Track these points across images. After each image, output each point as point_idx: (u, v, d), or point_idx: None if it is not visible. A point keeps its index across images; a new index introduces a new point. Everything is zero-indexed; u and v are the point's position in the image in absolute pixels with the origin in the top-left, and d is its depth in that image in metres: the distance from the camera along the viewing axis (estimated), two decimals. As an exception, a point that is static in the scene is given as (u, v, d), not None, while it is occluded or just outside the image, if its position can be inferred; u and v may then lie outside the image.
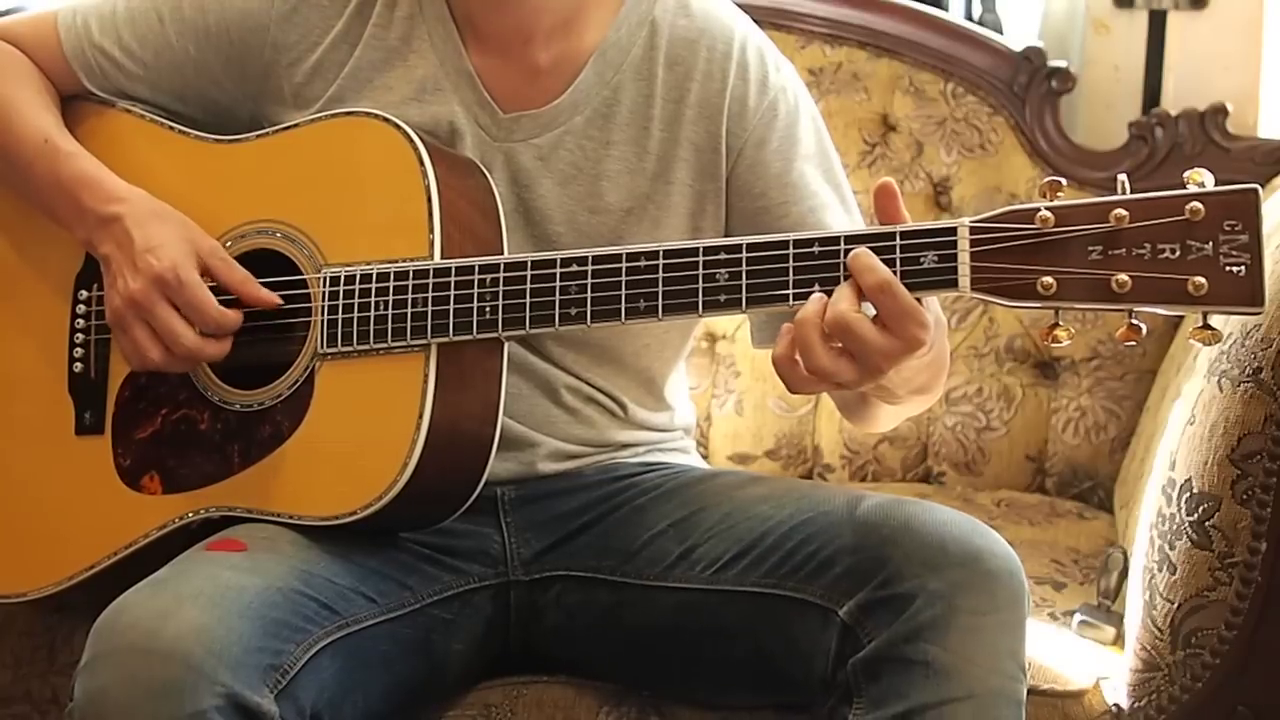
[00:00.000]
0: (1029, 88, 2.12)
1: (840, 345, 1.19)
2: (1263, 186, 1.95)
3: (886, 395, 1.30)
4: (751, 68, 1.46)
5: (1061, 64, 2.12)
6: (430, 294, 1.33)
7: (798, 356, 1.20)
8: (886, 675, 1.24)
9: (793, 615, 1.31)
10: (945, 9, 2.29)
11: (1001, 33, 2.30)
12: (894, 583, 1.25)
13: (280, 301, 1.39)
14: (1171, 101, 2.13)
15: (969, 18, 2.35)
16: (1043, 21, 2.28)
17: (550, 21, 1.43)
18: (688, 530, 1.40)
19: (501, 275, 1.32)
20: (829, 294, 1.20)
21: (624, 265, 1.28)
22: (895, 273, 1.19)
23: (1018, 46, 2.14)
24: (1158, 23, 2.15)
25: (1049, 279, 1.16)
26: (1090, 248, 1.15)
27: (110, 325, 1.41)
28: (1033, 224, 1.17)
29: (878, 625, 1.25)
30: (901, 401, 1.34)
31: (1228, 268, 1.13)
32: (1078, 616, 1.60)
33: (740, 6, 1.54)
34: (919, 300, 1.19)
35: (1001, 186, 2.11)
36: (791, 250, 1.24)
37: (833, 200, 1.47)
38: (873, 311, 1.20)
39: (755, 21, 1.56)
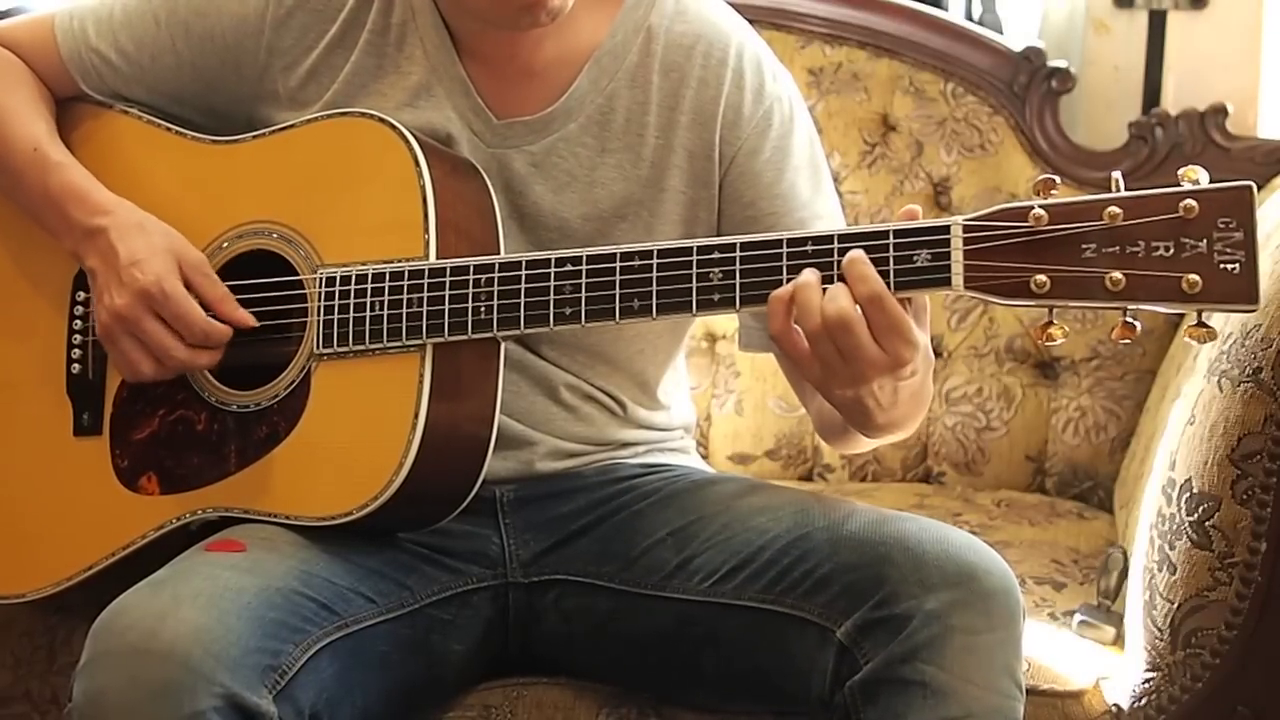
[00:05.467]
0: (1029, 88, 2.12)
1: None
2: (1262, 186, 1.97)
3: (865, 424, 1.29)
4: (747, 75, 1.46)
5: (1061, 64, 2.12)
6: (425, 294, 1.33)
7: (795, 323, 1.21)
8: (884, 697, 1.24)
9: (790, 632, 1.31)
10: (945, 9, 2.30)
11: (1001, 33, 2.31)
12: (890, 603, 1.25)
13: (255, 322, 1.39)
14: (1171, 101, 2.13)
15: (969, 18, 2.35)
16: (1043, 21, 2.28)
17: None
18: (686, 539, 1.39)
19: (496, 275, 1.32)
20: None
21: (618, 265, 1.28)
22: (889, 271, 1.20)
23: (1018, 46, 2.14)
24: (1158, 23, 2.15)
25: (1042, 277, 1.16)
26: (1084, 246, 1.15)
27: (100, 339, 1.42)
28: (1026, 222, 1.17)
29: (875, 646, 1.25)
30: (879, 435, 1.33)
31: (1222, 265, 1.12)
32: (1078, 616, 1.60)
33: (740, 7, 1.53)
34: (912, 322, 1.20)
35: (1001, 186, 2.11)
36: (785, 250, 1.24)
37: (823, 212, 1.47)
38: None
39: (754, 22, 1.56)
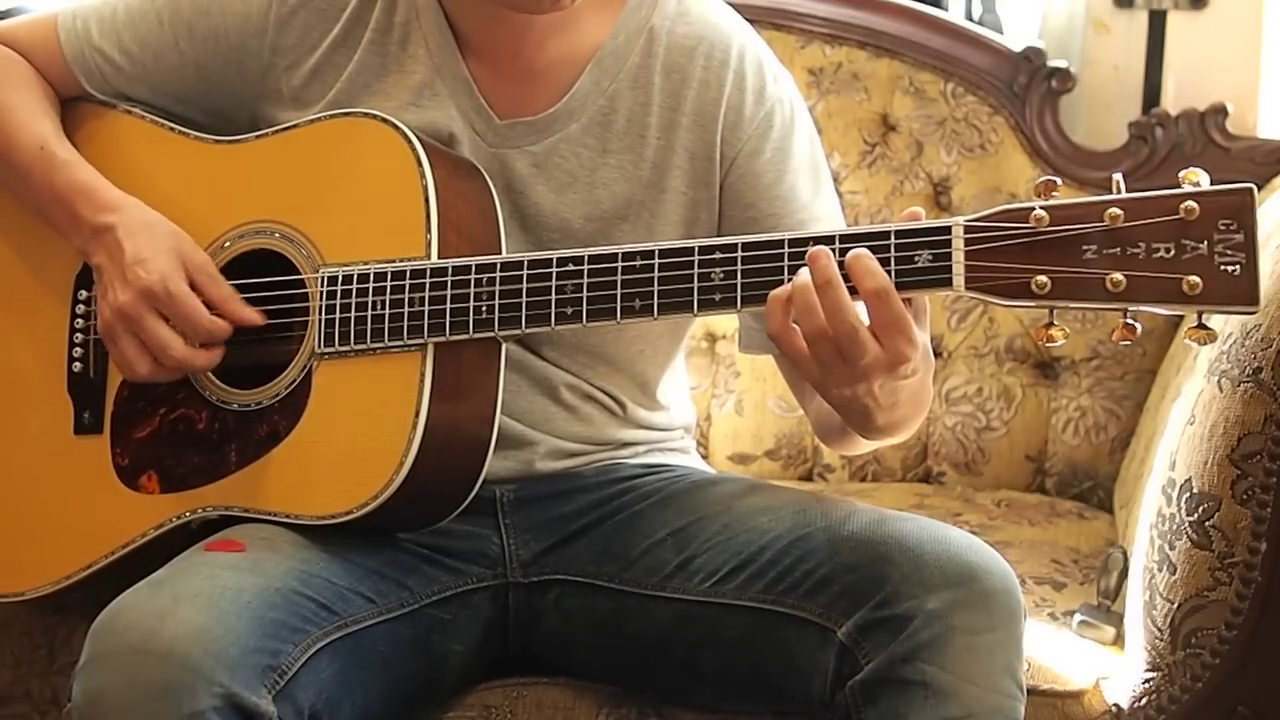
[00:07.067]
0: (1029, 88, 2.12)
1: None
2: (1262, 187, 1.97)
3: (864, 424, 1.29)
4: (749, 77, 1.46)
5: (1061, 64, 2.12)
6: (427, 293, 1.33)
7: (794, 323, 1.21)
8: (885, 697, 1.24)
9: (791, 632, 1.31)
10: (945, 9, 2.30)
11: (1001, 33, 2.31)
12: (892, 603, 1.25)
13: (262, 320, 1.39)
14: (1171, 101, 2.13)
15: (969, 18, 2.35)
16: (1043, 21, 2.28)
17: (543, 25, 1.43)
18: (686, 540, 1.39)
19: (498, 275, 1.32)
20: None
21: (619, 265, 1.28)
22: (890, 271, 1.20)
23: (1018, 46, 2.14)
24: (1158, 23, 2.15)
25: (1043, 278, 1.16)
26: (1085, 247, 1.15)
27: (101, 336, 1.42)
28: (1027, 223, 1.17)
29: (876, 646, 1.25)
30: (878, 437, 1.34)
31: (1223, 267, 1.12)
32: (1078, 616, 1.60)
33: (740, 7, 1.53)
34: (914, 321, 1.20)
35: (1001, 187, 2.11)
36: (786, 250, 1.24)
37: (823, 213, 1.47)
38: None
39: (754, 22, 1.56)
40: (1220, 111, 2.06)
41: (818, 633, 1.29)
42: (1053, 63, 2.12)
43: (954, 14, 2.29)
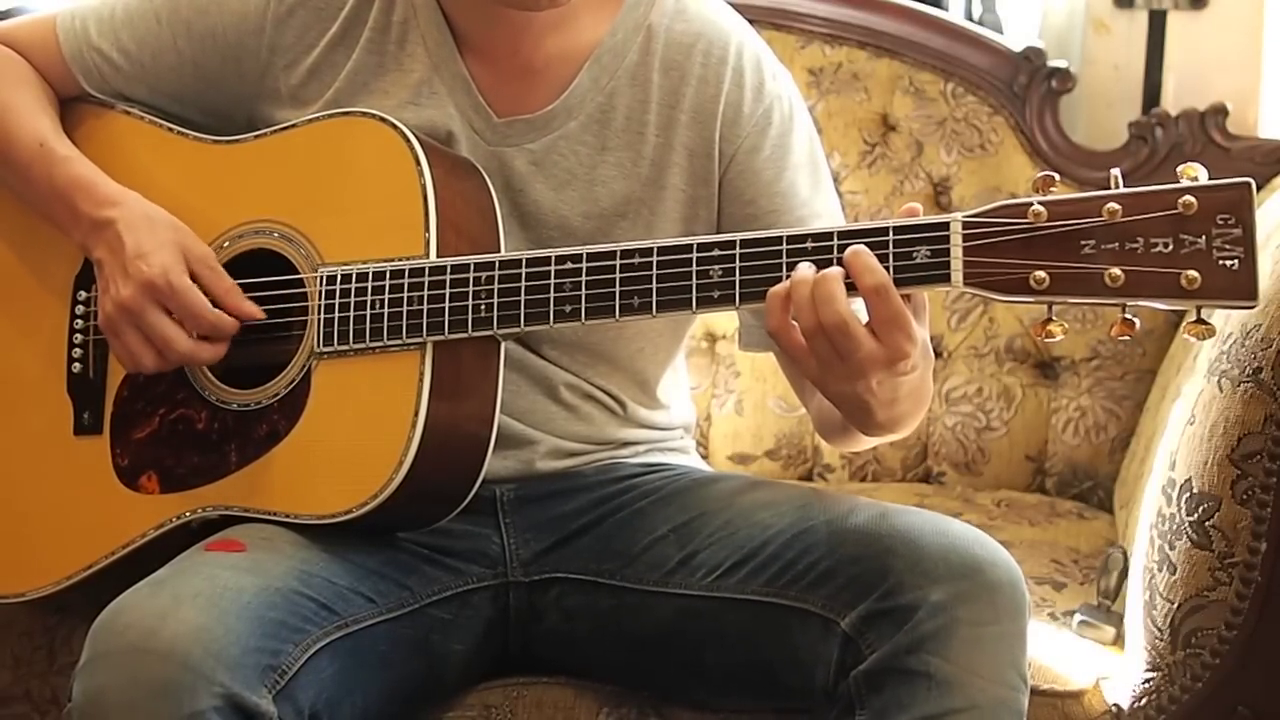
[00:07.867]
0: (1029, 88, 2.12)
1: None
2: (1262, 186, 1.97)
3: (865, 421, 1.29)
4: (747, 74, 1.46)
5: (1061, 64, 2.12)
6: (425, 292, 1.33)
7: (793, 319, 1.21)
8: (889, 687, 1.24)
9: (794, 625, 1.31)
10: (945, 9, 2.30)
11: (1001, 33, 2.31)
12: (896, 594, 1.25)
13: (263, 315, 1.39)
14: (1171, 101, 2.13)
15: (969, 18, 2.35)
16: (1043, 21, 2.29)
17: (541, 22, 1.43)
18: (688, 536, 1.40)
19: (497, 273, 1.32)
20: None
21: (618, 262, 1.28)
22: (889, 268, 1.20)
23: (1018, 46, 2.14)
24: (1158, 23, 2.15)
25: (1041, 273, 1.16)
26: (1083, 242, 1.15)
27: (103, 330, 1.42)
28: (1025, 219, 1.17)
29: (880, 637, 1.25)
30: (879, 433, 1.34)
31: (1221, 261, 1.12)
32: (1078, 616, 1.60)
33: (740, 7, 1.54)
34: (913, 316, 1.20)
35: (1001, 186, 2.11)
36: (785, 246, 1.24)
37: (823, 210, 1.48)
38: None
39: (754, 22, 1.56)
40: (1220, 111, 2.06)
41: (821, 624, 1.29)
42: (1053, 63, 2.12)
43: (954, 14, 2.30)
